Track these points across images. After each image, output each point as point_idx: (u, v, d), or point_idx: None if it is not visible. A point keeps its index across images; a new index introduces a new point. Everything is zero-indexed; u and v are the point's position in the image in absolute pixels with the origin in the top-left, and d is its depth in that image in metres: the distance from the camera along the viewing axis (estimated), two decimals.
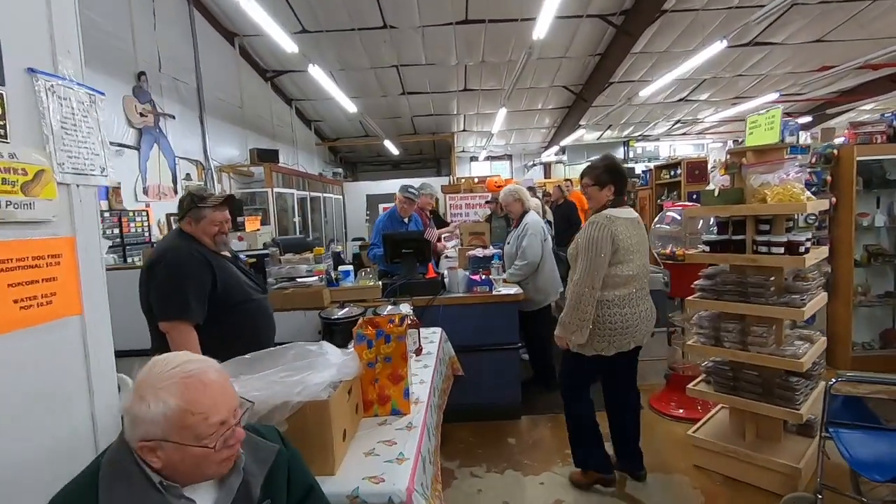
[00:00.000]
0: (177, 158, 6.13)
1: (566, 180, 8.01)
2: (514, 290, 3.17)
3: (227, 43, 7.87)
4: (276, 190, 7.73)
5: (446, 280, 3.16)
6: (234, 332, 2.03)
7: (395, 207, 3.84)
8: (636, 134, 14.41)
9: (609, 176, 2.26)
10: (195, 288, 1.90)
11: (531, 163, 15.24)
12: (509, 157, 15.89)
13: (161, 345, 1.92)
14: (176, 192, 6.11)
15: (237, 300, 2.04)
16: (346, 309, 2.66)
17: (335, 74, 9.43)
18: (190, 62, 6.62)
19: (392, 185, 12.24)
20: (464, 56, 8.80)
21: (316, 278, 3.04)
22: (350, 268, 3.11)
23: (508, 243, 3.63)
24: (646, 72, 9.35)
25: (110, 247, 4.63)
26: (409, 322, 2.29)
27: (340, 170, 12.75)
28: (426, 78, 9.83)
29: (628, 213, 2.28)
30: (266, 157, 7.62)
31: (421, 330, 2.74)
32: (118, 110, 5.17)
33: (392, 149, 12.49)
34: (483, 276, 3.14)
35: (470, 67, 9.42)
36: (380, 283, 3.05)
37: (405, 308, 2.36)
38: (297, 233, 8.67)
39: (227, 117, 7.73)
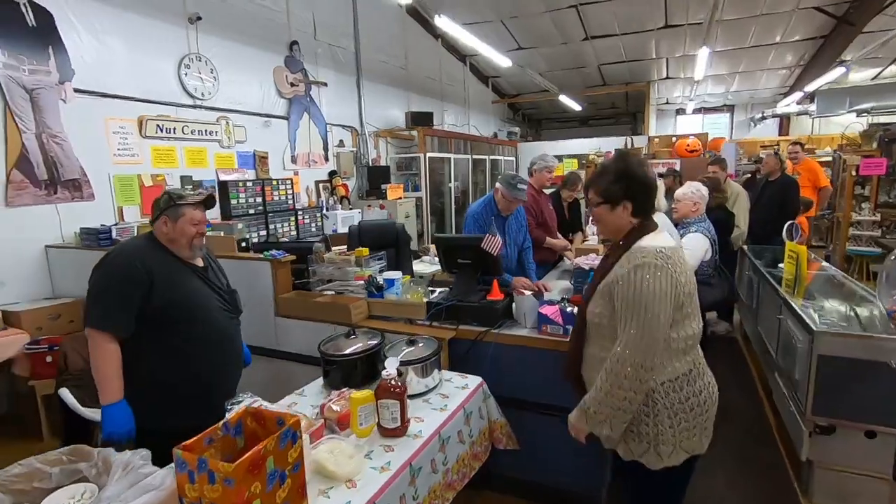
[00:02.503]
0: (328, 126, 6.27)
1: (794, 143, 5.73)
2: None
3: (394, 2, 7.66)
4: (429, 155, 7.45)
5: (514, 307, 2.30)
6: (178, 352, 1.85)
7: (491, 195, 3.01)
8: None
9: (620, 186, 1.50)
10: (121, 297, 1.75)
11: (760, 114, 11.83)
12: (730, 108, 12.66)
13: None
14: (327, 158, 6.30)
15: (180, 318, 1.83)
16: (358, 337, 2.09)
17: (506, 24, 8.54)
18: (348, 27, 6.59)
19: (573, 146, 10.96)
20: None
21: (360, 283, 2.53)
22: (397, 274, 2.50)
23: None
24: None
25: (251, 214, 4.95)
26: (392, 387, 1.61)
27: (517, 129, 11.95)
28: (614, 16, 8.17)
29: (666, 236, 1.54)
30: (420, 120, 7.34)
31: (453, 378, 2.02)
32: (269, 82, 5.39)
33: (571, 104, 11.08)
34: (567, 308, 2.17)
35: None
36: (425, 299, 2.38)
37: (392, 364, 1.66)
38: (452, 200, 8.35)
39: (390, 80, 7.64)
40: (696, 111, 12.69)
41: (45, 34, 3.44)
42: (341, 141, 6.56)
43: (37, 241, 3.47)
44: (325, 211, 5.96)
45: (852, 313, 2.45)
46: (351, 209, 6.20)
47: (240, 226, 4.52)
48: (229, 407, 1.62)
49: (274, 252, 2.56)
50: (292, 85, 5.64)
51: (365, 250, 2.56)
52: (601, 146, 8.94)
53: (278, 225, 5.33)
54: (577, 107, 11.33)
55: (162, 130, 4.22)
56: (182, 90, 4.44)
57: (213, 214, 4.71)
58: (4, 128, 3.26)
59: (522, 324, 2.25)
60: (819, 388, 2.14)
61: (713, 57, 9.51)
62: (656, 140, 9.60)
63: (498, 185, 2.93)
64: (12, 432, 3.07)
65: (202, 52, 4.57)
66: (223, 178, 4.82)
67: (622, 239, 1.54)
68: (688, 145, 6.62)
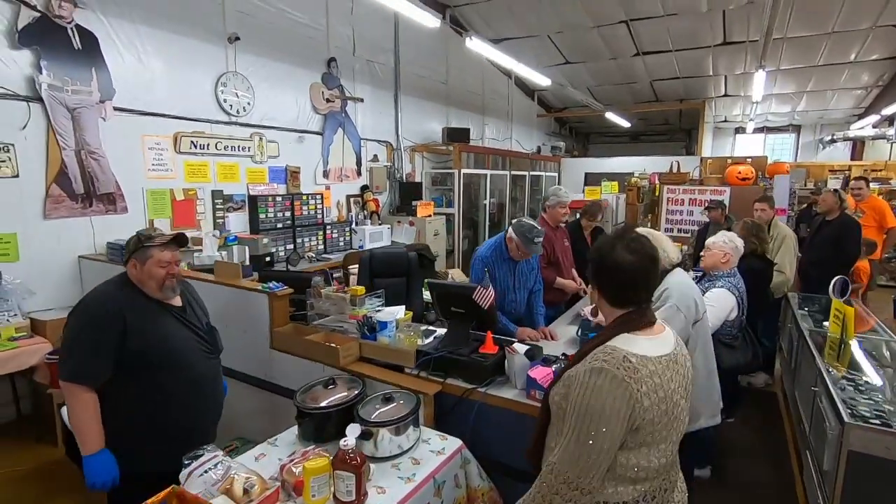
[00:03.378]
0: (363, 140, 6.30)
1: (858, 178, 5.20)
2: None
3: (437, 15, 7.64)
4: (464, 171, 7.36)
5: (506, 364, 2.16)
6: (157, 396, 1.82)
7: (502, 237, 2.86)
8: None
9: (594, 267, 1.34)
10: (95, 346, 1.73)
11: (830, 137, 10.95)
12: (796, 128, 11.81)
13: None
14: (359, 173, 6.34)
15: (158, 362, 1.81)
16: (338, 387, 2.03)
17: (553, 38, 8.34)
18: (388, 42, 6.62)
19: (618, 164, 10.55)
20: None
21: (353, 323, 2.47)
22: (394, 315, 2.41)
23: None
24: None
25: (279, 229, 5.04)
26: (349, 458, 1.53)
27: (561, 144, 11.65)
28: (667, 32, 7.81)
29: (661, 340, 1.28)
30: (456, 136, 7.28)
31: (431, 439, 1.91)
32: (304, 98, 5.47)
33: (617, 120, 10.69)
34: (564, 367, 2.01)
35: (730, 13, 7.01)
36: (419, 342, 2.28)
37: (352, 432, 1.57)
38: (487, 216, 8.20)
39: (429, 94, 7.61)
40: (758, 130, 11.92)
41: (89, 56, 3.63)
42: (375, 156, 6.59)
43: (71, 251, 3.65)
44: (353, 226, 6.00)
45: None
46: (381, 224, 6.20)
47: (265, 240, 4.60)
48: (186, 462, 1.59)
49: (272, 284, 2.55)
50: (328, 101, 5.71)
51: (361, 289, 2.50)
52: (647, 167, 8.52)
53: (306, 239, 5.40)
54: (625, 123, 10.91)
55: (196, 146, 4.36)
56: (218, 107, 4.57)
57: (241, 228, 4.83)
58: (46, 145, 3.45)
59: (513, 383, 2.10)
60: (848, 488, 1.87)
61: (777, 75, 8.92)
62: (709, 161, 9.06)
63: (512, 234, 2.75)
64: (32, 435, 3.23)
65: (240, 70, 4.70)
66: (253, 192, 4.93)
67: (605, 328, 1.32)
68: (739, 172, 6.16)
